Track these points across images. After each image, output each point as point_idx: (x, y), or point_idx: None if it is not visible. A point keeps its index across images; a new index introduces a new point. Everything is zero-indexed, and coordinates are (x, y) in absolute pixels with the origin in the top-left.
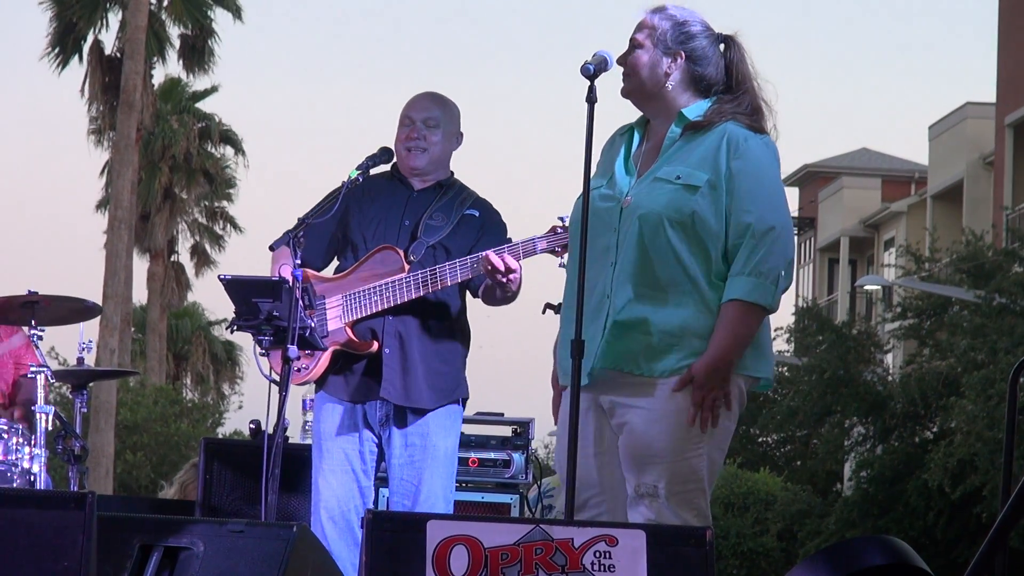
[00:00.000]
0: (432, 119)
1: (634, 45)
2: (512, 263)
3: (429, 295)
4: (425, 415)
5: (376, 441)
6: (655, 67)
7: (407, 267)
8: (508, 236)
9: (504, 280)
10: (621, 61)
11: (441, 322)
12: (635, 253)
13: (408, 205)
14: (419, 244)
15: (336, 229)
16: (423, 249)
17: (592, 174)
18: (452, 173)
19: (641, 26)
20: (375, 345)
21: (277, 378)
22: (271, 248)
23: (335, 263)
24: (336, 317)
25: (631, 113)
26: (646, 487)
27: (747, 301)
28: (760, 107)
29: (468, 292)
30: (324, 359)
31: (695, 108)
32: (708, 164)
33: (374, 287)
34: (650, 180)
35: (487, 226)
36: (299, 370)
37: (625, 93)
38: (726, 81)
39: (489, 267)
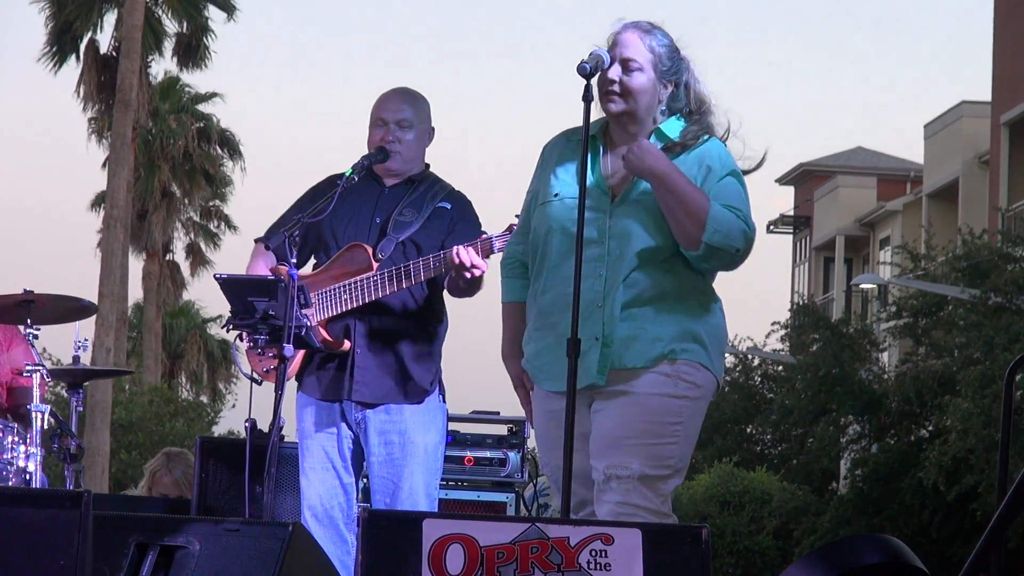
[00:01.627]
0: (405, 120)
1: (631, 67)
2: (476, 260)
3: (401, 293)
4: (402, 412)
5: (354, 438)
6: (652, 95)
7: (375, 265)
8: (483, 231)
9: (468, 276)
10: (610, 80)
11: (414, 319)
12: (629, 270)
13: (379, 202)
14: (388, 241)
15: (309, 228)
16: (392, 246)
17: (542, 175)
18: (427, 166)
19: (635, 46)
20: (347, 344)
21: (256, 377)
22: (267, 247)
23: (311, 262)
24: (310, 316)
25: None
26: (617, 468)
27: (711, 210)
28: (722, 122)
29: (436, 285)
30: (298, 357)
31: (670, 126)
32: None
33: (343, 285)
34: (636, 194)
35: (458, 219)
36: (271, 370)
37: (617, 113)
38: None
39: (455, 263)
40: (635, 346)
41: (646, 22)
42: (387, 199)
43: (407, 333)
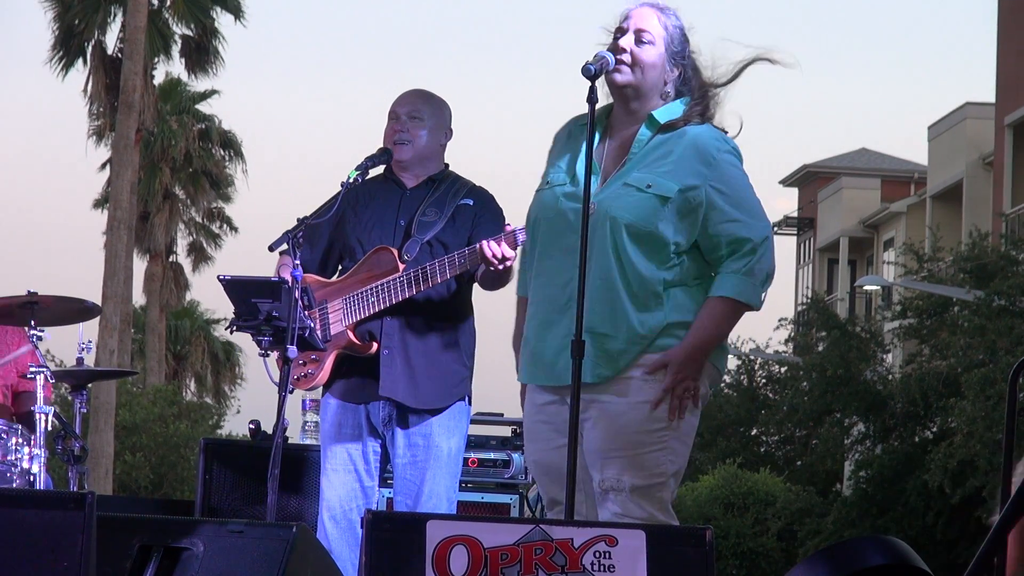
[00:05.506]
0: (416, 112)
1: (644, 39)
2: (507, 251)
3: (427, 292)
4: (428, 415)
5: (380, 441)
6: (661, 71)
7: (401, 266)
8: (507, 222)
9: (501, 268)
10: (620, 48)
11: (442, 319)
12: (606, 261)
13: (402, 204)
14: (413, 242)
15: (335, 234)
16: (417, 247)
17: (547, 163)
18: (447, 166)
19: (650, 20)
20: (374, 346)
21: (288, 385)
22: (271, 248)
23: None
24: (338, 320)
25: None
26: (610, 481)
27: (735, 299)
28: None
29: (463, 284)
30: (328, 363)
31: (666, 111)
32: (679, 175)
33: (370, 288)
34: (619, 185)
35: (481, 214)
36: (305, 376)
37: (622, 84)
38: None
39: (485, 256)
40: (611, 356)
41: (662, 2)
42: (409, 201)
43: (435, 334)
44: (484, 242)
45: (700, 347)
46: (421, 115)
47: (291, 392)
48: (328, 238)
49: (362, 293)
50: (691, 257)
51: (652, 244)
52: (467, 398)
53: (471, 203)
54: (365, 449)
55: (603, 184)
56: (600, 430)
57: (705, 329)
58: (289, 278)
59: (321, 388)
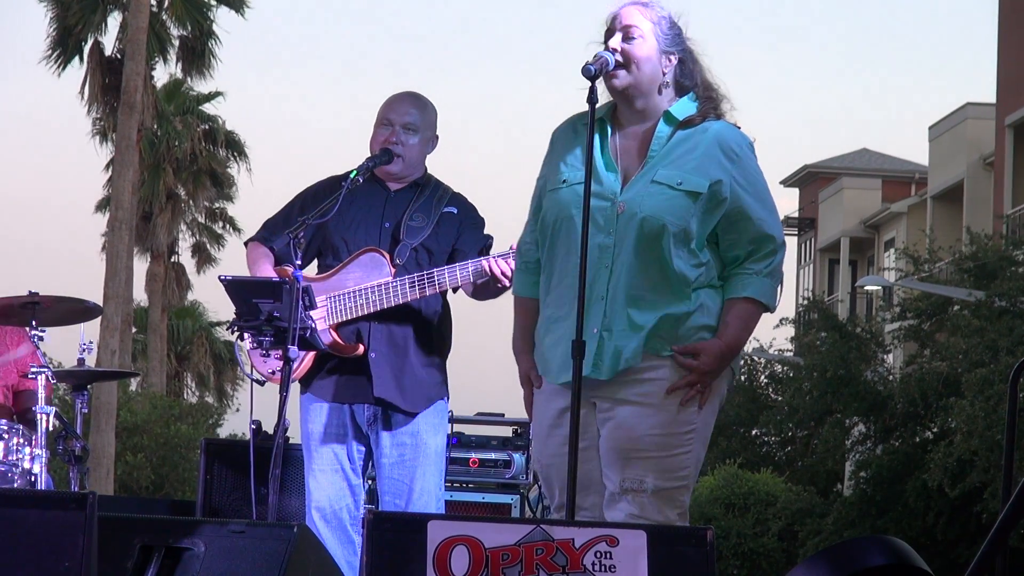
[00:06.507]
0: (412, 124)
1: (633, 34)
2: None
3: (420, 299)
4: (414, 415)
5: (363, 440)
6: (655, 64)
7: (393, 271)
8: (486, 233)
9: (505, 285)
10: (612, 49)
11: (426, 325)
12: (635, 259)
13: (387, 206)
14: (403, 247)
15: (316, 230)
16: (407, 252)
17: (551, 161)
18: (426, 169)
19: (635, 16)
20: (360, 348)
21: (260, 377)
22: (271, 248)
23: (314, 264)
24: (321, 318)
25: None
26: (632, 481)
27: (761, 301)
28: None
29: (460, 289)
30: (307, 360)
31: (681, 107)
32: (707, 170)
33: (360, 290)
34: (646, 183)
35: (465, 223)
36: (277, 371)
37: (621, 87)
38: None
39: (494, 274)
40: (640, 342)
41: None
42: (394, 203)
43: (421, 338)
44: (492, 260)
45: (733, 348)
46: (415, 125)
47: (262, 385)
48: (309, 234)
49: (350, 294)
50: (714, 256)
51: (685, 242)
52: (446, 397)
53: (455, 211)
54: (350, 449)
55: (626, 182)
56: (625, 430)
57: (735, 331)
58: (279, 275)
59: (301, 388)
